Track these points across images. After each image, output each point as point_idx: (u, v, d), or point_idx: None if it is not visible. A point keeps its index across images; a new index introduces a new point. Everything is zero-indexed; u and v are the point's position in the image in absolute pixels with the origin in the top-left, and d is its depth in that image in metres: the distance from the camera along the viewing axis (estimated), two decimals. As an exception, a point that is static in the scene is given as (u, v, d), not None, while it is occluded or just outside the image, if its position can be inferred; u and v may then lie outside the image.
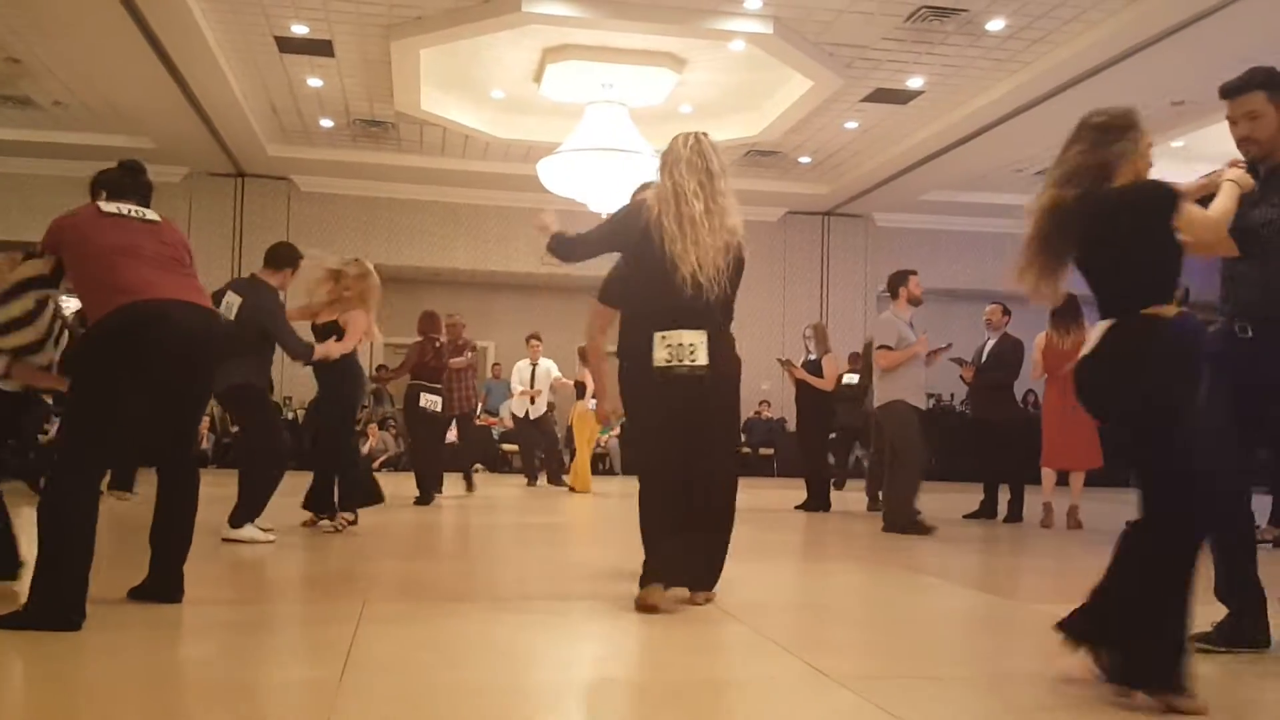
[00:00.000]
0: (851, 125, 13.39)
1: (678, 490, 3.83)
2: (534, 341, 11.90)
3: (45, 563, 3.19)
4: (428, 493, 8.82)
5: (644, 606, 3.70)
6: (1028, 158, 14.30)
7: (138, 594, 3.63)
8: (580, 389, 11.25)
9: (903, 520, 7.22)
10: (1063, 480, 8.33)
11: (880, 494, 9.43)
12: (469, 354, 9.95)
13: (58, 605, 3.14)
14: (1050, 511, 8.14)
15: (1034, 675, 3.15)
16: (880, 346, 7.60)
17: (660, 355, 3.74)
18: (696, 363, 3.72)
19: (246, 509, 5.56)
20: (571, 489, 11.21)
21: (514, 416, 12.29)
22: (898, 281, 7.89)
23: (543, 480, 12.06)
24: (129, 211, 3.66)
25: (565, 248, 4.07)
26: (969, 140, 13.22)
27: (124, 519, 6.35)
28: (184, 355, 3.51)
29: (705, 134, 3.96)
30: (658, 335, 3.74)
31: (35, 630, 3.09)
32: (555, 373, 11.93)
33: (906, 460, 7.45)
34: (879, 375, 7.69)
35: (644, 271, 3.82)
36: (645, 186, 4.30)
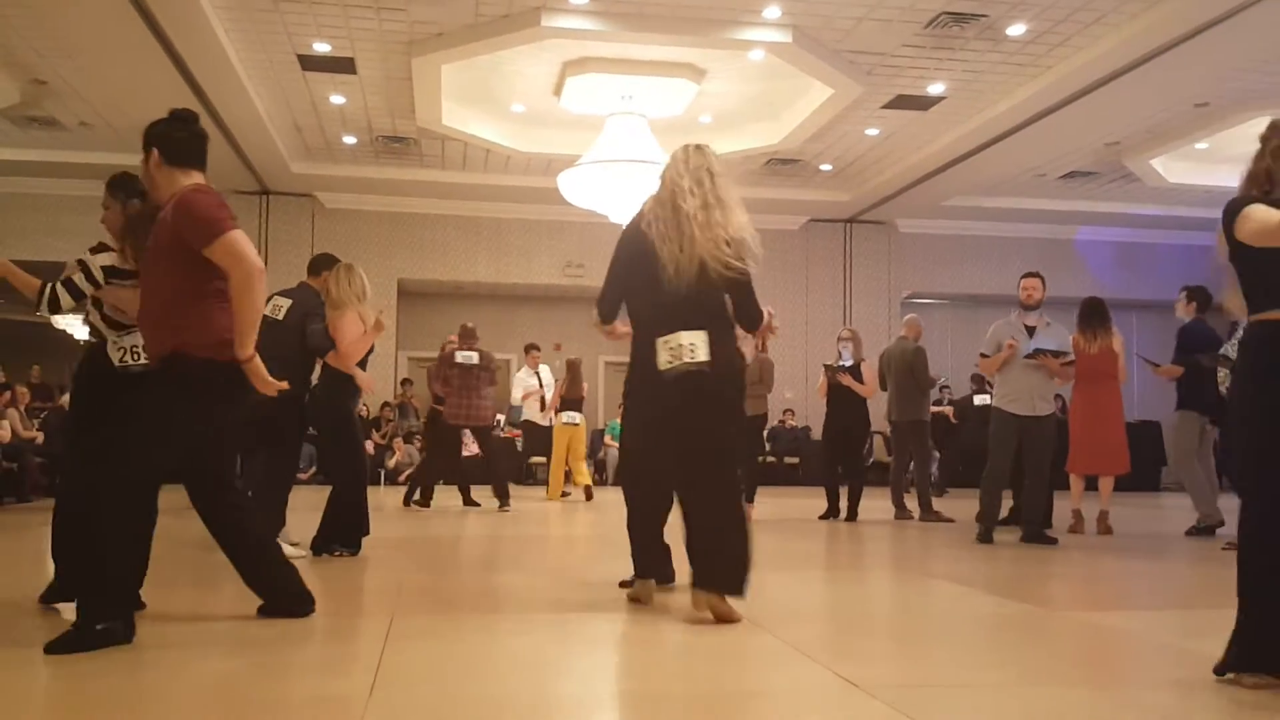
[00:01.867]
0: (872, 132, 13.36)
1: (667, 494, 4.07)
2: (533, 352, 12.07)
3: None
4: (426, 497, 9.66)
5: (635, 599, 4.08)
6: (1050, 162, 14.23)
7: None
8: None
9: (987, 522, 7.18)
10: (1091, 485, 8.26)
11: (903, 502, 9.42)
12: (469, 362, 9.88)
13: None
14: (1080, 518, 8.06)
15: (1066, 682, 3.13)
16: (981, 355, 7.53)
17: (663, 359, 3.83)
18: (696, 359, 3.79)
19: (267, 524, 5.58)
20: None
21: (532, 425, 12.44)
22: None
23: (574, 491, 12.05)
24: None
25: (603, 309, 4.16)
26: (991, 145, 13.16)
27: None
28: None
29: (706, 145, 4.09)
30: (660, 341, 3.83)
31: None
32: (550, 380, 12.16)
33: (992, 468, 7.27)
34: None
35: (640, 278, 3.92)
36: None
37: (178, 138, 3.63)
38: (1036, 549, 6.88)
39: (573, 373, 11.52)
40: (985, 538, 7.10)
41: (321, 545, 5.77)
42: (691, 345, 3.79)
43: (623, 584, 4.42)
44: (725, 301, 3.91)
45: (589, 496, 11.57)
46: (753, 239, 3.90)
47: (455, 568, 5.95)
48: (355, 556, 5.82)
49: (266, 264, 13.98)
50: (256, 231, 15.96)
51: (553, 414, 11.64)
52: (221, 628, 3.67)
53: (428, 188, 15.74)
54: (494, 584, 5.18)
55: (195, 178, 3.60)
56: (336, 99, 12.42)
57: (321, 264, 6.12)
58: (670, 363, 3.81)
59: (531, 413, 12.31)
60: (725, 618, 3.71)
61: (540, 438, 12.42)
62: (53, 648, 3.12)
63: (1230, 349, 6.90)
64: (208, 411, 3.52)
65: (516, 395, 12.34)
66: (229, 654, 3.31)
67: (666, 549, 4.32)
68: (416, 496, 9.98)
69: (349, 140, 14.05)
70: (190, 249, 3.40)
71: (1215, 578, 5.78)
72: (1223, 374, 6.97)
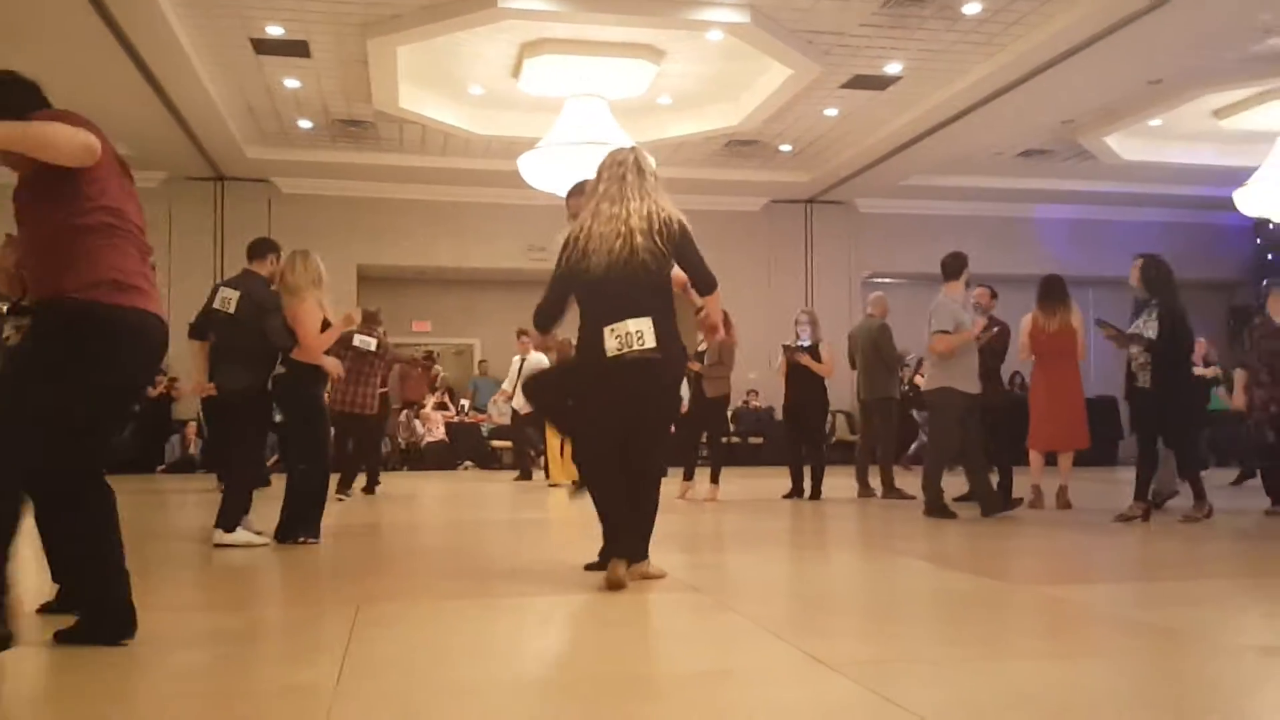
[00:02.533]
0: (831, 112, 13.39)
1: (620, 471, 4.22)
2: (523, 337, 11.85)
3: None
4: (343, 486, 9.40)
5: (613, 582, 3.99)
6: (1006, 141, 14.35)
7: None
8: None
9: (931, 503, 7.36)
10: (1051, 461, 8.37)
11: (867, 480, 9.51)
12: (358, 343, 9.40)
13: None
14: (1040, 493, 8.17)
15: (1029, 655, 3.17)
16: (938, 331, 7.43)
17: (611, 346, 4.04)
18: (645, 346, 4.02)
19: (234, 511, 5.55)
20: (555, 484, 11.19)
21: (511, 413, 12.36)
22: (959, 264, 7.72)
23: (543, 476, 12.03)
24: None
25: (542, 317, 4.33)
26: (948, 124, 13.24)
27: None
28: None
29: (636, 146, 4.48)
30: (607, 329, 4.04)
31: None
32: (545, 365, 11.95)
33: (939, 446, 7.57)
34: (930, 361, 7.70)
35: (582, 273, 4.13)
36: (579, 187, 4.69)
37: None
38: (994, 524, 6.97)
39: (564, 355, 11.47)
40: (939, 512, 7.31)
41: (286, 533, 5.72)
42: (639, 333, 4.02)
43: (589, 567, 4.42)
44: (665, 283, 4.15)
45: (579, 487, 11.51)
46: (681, 220, 4.16)
47: (420, 554, 5.92)
48: (318, 544, 5.77)
49: (224, 251, 13.68)
50: (212, 219, 15.75)
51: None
52: (184, 620, 3.63)
53: (386, 172, 15.58)
54: (459, 569, 5.16)
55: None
56: (291, 83, 12.24)
57: (264, 248, 6.02)
58: (619, 350, 4.03)
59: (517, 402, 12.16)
60: (655, 576, 4.22)
61: (516, 424, 12.42)
62: None
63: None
64: (94, 362, 3.03)
65: (506, 386, 12.17)
66: (192, 646, 3.27)
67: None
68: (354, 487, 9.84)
69: (305, 124, 13.87)
70: (54, 178, 3.11)
71: (1171, 551, 5.89)
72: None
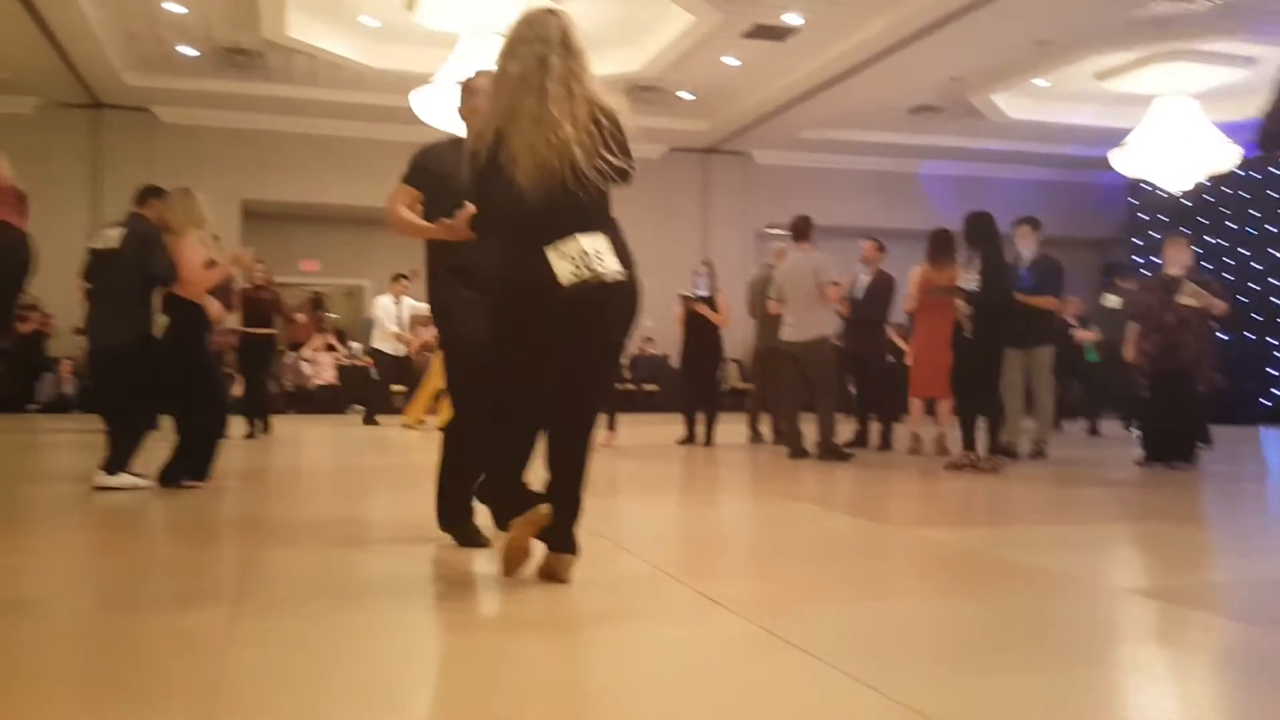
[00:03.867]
0: (732, 61, 13.40)
1: (537, 430, 3.29)
2: (403, 280, 11.74)
3: None
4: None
5: (519, 549, 3.21)
6: (899, 96, 14.57)
7: None
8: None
9: (829, 448, 7.69)
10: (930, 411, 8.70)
11: (758, 427, 9.71)
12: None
13: None
14: (919, 440, 8.49)
15: (912, 595, 3.32)
16: (831, 283, 8.01)
17: (564, 271, 3.03)
18: (607, 269, 3.07)
19: (122, 455, 5.40)
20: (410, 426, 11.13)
21: (382, 354, 12.23)
22: (809, 226, 8.25)
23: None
24: None
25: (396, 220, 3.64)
26: (844, 78, 13.39)
27: None
28: None
29: (561, 10, 3.22)
30: (551, 251, 3.04)
31: None
32: (420, 310, 11.90)
33: (828, 391, 7.94)
34: (802, 309, 7.92)
35: (500, 182, 3.09)
36: (472, 84, 3.84)
37: None
38: (877, 470, 7.22)
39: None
40: (845, 454, 7.75)
41: (171, 477, 5.57)
42: (597, 253, 3.07)
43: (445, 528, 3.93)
44: (604, 196, 3.16)
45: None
46: (620, 112, 3.18)
47: (310, 498, 5.85)
48: (202, 487, 5.63)
49: (102, 185, 13.16)
50: (88, 149, 15.00)
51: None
52: (59, 563, 3.53)
53: (274, 104, 15.02)
54: (350, 514, 5.12)
55: None
56: (173, 7, 11.68)
57: (150, 194, 5.86)
58: (576, 274, 3.04)
59: (385, 343, 12.11)
60: (564, 578, 3.21)
61: (395, 367, 12.30)
62: None
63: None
64: None
65: (390, 327, 12.02)
66: (74, 593, 3.19)
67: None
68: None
69: (188, 52, 13.26)
70: None
71: (1048, 497, 6.19)
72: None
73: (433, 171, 3.71)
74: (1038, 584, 3.47)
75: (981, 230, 7.27)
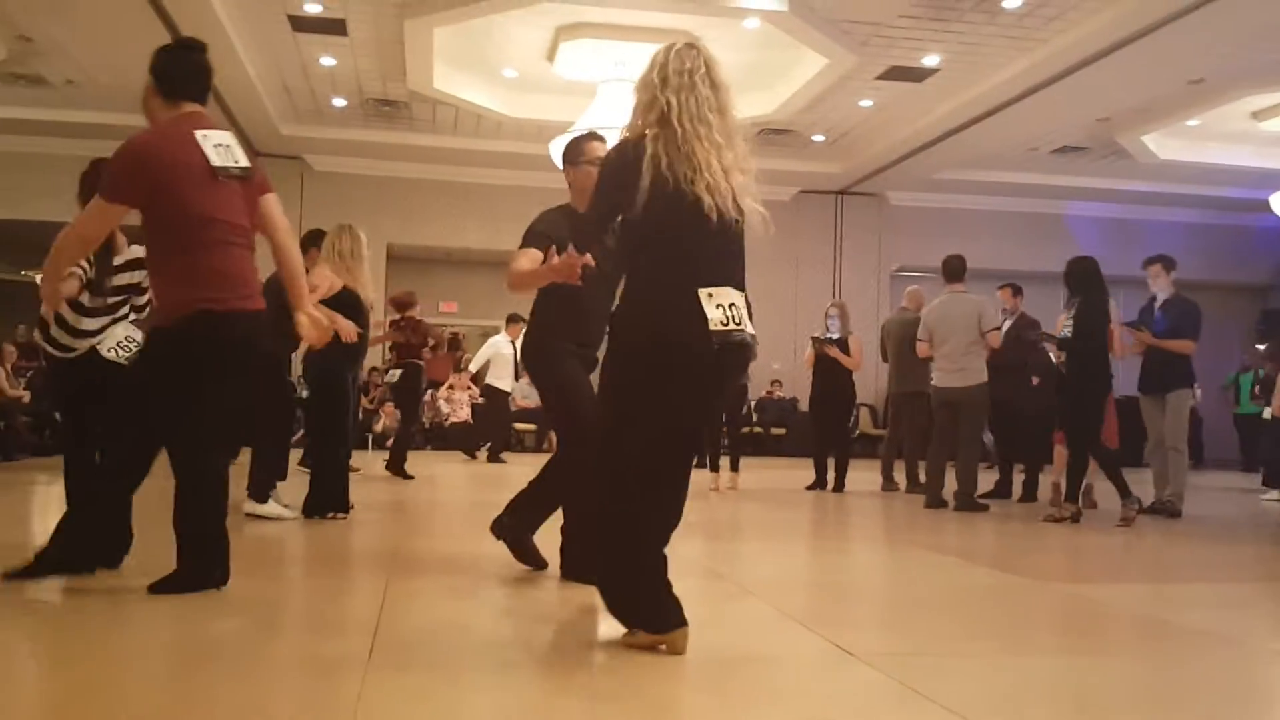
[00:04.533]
0: (866, 103, 13.31)
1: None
2: (520, 322, 12.00)
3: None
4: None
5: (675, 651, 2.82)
6: (1042, 137, 14.21)
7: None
8: None
9: (967, 499, 7.51)
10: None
11: (891, 474, 9.49)
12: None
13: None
14: (1059, 490, 8.15)
15: (1052, 651, 3.18)
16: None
17: (715, 317, 2.79)
18: (747, 330, 2.85)
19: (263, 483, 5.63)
20: None
21: (498, 391, 12.54)
22: (963, 266, 8.15)
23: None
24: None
25: (584, 235, 3.22)
26: (984, 119, 13.12)
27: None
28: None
29: (698, 41, 3.16)
30: (703, 294, 2.80)
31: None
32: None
33: (975, 440, 7.83)
34: (962, 353, 7.79)
35: (680, 206, 2.85)
36: (578, 148, 4.05)
37: (170, 69, 3.54)
38: (1018, 521, 6.95)
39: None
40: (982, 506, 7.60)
41: (313, 509, 5.76)
42: (736, 306, 2.84)
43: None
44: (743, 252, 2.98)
45: None
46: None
47: (447, 533, 5.96)
48: (345, 519, 5.81)
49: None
50: (244, 194, 15.81)
51: None
52: (214, 590, 3.67)
53: (418, 152, 15.62)
54: (486, 550, 5.19)
55: (186, 109, 3.50)
56: (327, 61, 12.29)
57: (303, 241, 5.93)
58: (724, 324, 2.80)
59: (503, 381, 12.45)
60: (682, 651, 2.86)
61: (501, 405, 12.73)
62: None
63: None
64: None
65: (509, 366, 12.36)
66: (225, 614, 3.32)
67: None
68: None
69: (339, 103, 13.92)
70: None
71: (1194, 553, 5.86)
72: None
73: (547, 235, 3.75)
74: (1188, 644, 3.27)
75: (1082, 275, 7.08)
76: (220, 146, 3.41)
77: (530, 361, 4.07)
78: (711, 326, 2.77)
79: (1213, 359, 11.66)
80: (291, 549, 5.03)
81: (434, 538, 5.69)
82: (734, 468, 8.98)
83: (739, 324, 2.82)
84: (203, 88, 3.56)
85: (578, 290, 3.47)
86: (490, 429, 13.38)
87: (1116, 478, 6.80)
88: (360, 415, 14.23)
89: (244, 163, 3.46)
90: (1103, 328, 7.08)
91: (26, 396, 11.53)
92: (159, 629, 3.07)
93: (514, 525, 4.08)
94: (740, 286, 2.90)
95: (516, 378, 12.32)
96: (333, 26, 11.19)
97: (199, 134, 3.38)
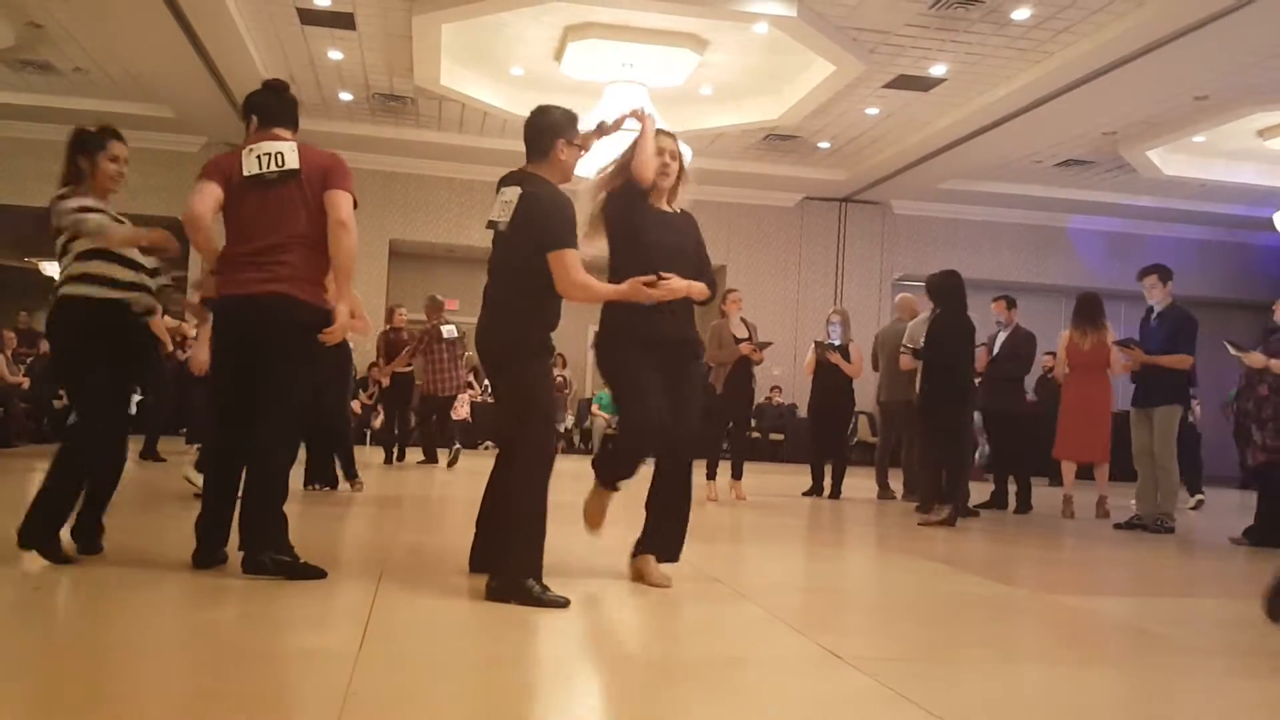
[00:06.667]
0: (872, 111, 13.32)
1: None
2: None
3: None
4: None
5: (643, 578, 3.89)
6: (1047, 149, 14.22)
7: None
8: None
9: (962, 507, 7.49)
10: (1087, 474, 8.51)
11: (887, 482, 9.49)
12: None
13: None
14: (1070, 502, 8.23)
15: (1042, 660, 3.18)
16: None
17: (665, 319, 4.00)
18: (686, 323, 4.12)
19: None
20: None
21: None
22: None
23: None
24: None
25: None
26: (989, 130, 13.14)
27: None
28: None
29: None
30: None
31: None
32: None
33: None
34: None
35: (651, 235, 4.17)
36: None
37: (270, 104, 4.25)
38: (1012, 530, 6.96)
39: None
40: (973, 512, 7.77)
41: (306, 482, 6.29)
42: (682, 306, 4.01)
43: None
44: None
45: None
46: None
47: (442, 527, 5.97)
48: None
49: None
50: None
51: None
52: (207, 577, 3.68)
53: (423, 148, 15.63)
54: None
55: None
56: (334, 54, 12.31)
57: None
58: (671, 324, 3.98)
59: None
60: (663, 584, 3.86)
61: None
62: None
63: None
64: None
65: None
66: (214, 604, 3.32)
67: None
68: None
69: (345, 97, 13.93)
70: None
71: (1179, 567, 5.86)
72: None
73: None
74: (1176, 657, 3.27)
75: (940, 289, 7.24)
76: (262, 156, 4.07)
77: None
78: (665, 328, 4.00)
79: (1215, 376, 11.66)
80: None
81: (429, 533, 5.69)
82: (736, 475, 8.44)
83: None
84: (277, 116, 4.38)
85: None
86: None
87: (956, 483, 6.99)
88: (360, 410, 14.26)
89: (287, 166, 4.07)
90: (963, 338, 7.23)
91: (26, 383, 11.54)
92: (149, 619, 3.07)
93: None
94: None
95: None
96: (341, 20, 11.21)
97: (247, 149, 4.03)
